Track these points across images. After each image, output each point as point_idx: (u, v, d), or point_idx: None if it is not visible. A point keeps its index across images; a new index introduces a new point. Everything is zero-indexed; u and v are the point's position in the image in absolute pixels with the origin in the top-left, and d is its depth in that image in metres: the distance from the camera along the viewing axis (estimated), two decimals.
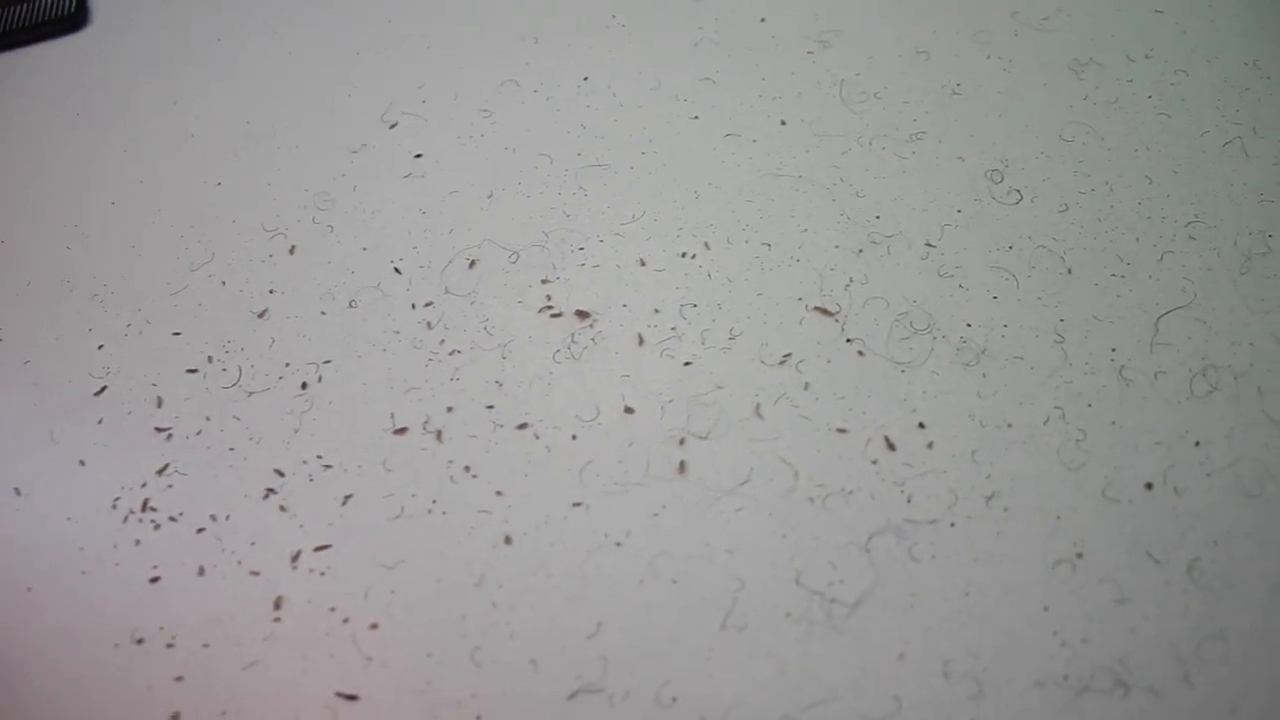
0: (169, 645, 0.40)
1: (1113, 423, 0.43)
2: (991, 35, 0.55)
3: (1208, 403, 0.43)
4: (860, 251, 0.48)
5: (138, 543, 0.42)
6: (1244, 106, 0.51)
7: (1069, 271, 0.47)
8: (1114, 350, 0.44)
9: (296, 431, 0.44)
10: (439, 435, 0.44)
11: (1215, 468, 0.42)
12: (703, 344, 0.45)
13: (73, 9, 0.59)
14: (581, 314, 0.47)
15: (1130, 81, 0.53)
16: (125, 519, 0.43)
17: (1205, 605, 0.39)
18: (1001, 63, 0.54)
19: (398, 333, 0.47)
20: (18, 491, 0.44)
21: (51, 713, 0.39)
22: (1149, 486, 0.41)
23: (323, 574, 0.41)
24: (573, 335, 0.46)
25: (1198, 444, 0.42)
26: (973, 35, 0.55)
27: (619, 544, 0.41)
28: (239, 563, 0.42)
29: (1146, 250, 0.47)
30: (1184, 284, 0.46)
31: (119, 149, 0.54)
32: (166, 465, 0.44)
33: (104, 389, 0.46)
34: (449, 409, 0.45)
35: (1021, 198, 0.49)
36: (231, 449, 0.44)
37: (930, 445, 0.43)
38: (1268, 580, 0.39)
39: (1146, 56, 0.54)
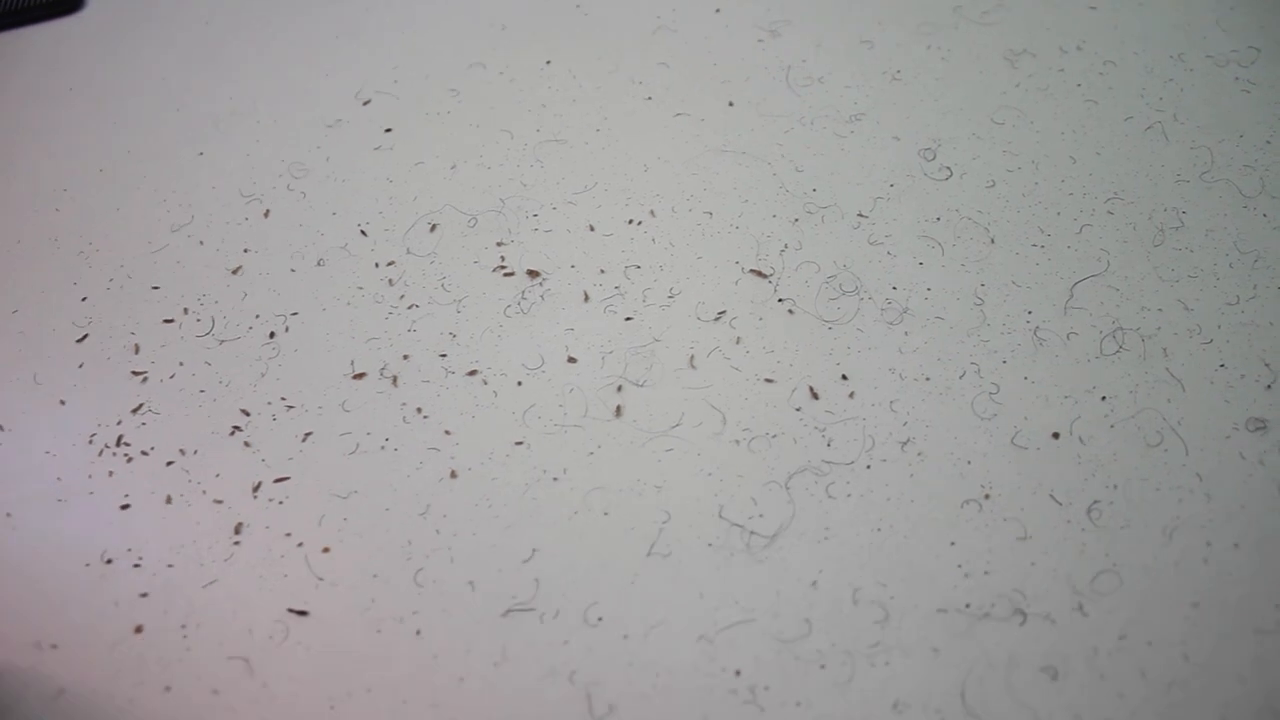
0: (136, 565, 0.43)
1: (1025, 378, 0.46)
2: (934, 27, 0.58)
3: (1115, 361, 0.46)
4: (796, 220, 0.51)
5: (111, 474, 0.45)
6: (1167, 95, 0.55)
7: (992, 241, 0.50)
8: (1030, 312, 0.47)
9: (263, 376, 0.48)
10: (395, 380, 0.47)
11: (1119, 419, 0.44)
12: (644, 302, 0.48)
13: None
14: (532, 273, 0.50)
15: (1061, 71, 0.56)
16: (100, 453, 0.46)
17: (1102, 543, 0.42)
18: (941, 52, 0.57)
19: (361, 289, 0.50)
20: (1, 428, 0.47)
21: (27, 624, 0.42)
22: (1056, 436, 0.44)
23: (281, 503, 0.44)
24: (523, 292, 0.49)
25: (1104, 398, 0.45)
26: (916, 27, 0.58)
27: (556, 479, 0.44)
28: (204, 492, 0.45)
29: (1067, 223, 0.50)
30: (1100, 254, 0.49)
31: (109, 121, 0.57)
32: (141, 405, 0.47)
33: (85, 336, 0.49)
34: (405, 357, 0.48)
35: (951, 174, 0.52)
36: (202, 391, 0.47)
37: (852, 395, 0.46)
38: (1161, 521, 0.42)
39: (1078, 48, 0.57)
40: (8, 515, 0.45)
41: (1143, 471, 0.43)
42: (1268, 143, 0.52)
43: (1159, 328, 0.47)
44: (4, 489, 0.45)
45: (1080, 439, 0.44)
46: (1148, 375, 0.45)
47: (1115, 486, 0.43)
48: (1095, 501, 0.43)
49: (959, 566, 0.41)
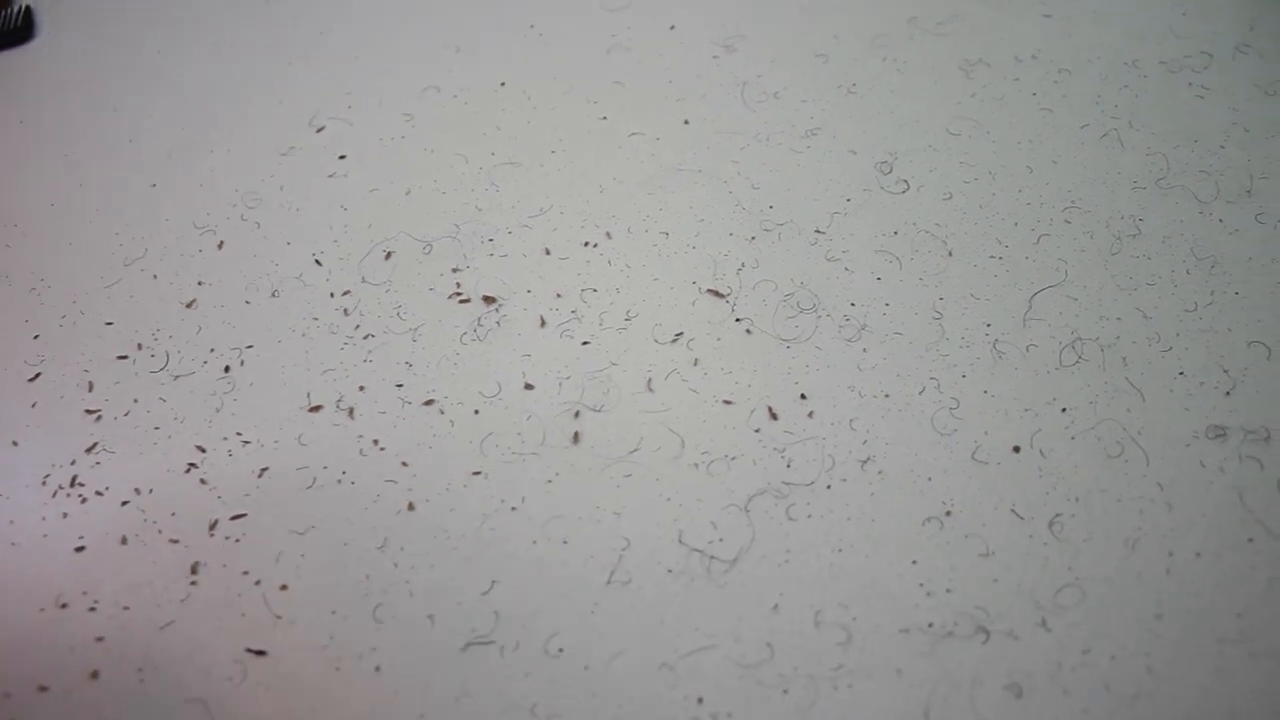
0: (91, 609, 0.42)
1: (984, 391, 0.46)
2: (888, 39, 0.58)
3: (1075, 372, 0.46)
4: (753, 238, 0.50)
5: (65, 515, 0.45)
6: (1122, 102, 0.55)
7: (950, 254, 0.49)
8: (989, 325, 0.47)
9: (218, 411, 0.47)
10: (351, 412, 0.47)
11: (1079, 431, 0.44)
12: (600, 325, 0.48)
13: (19, 22, 0.62)
14: (488, 299, 0.49)
15: (1017, 80, 0.56)
16: (54, 494, 0.45)
17: (1064, 557, 0.41)
18: (896, 64, 0.57)
19: (316, 319, 0.49)
20: None
21: None
22: (1016, 449, 0.44)
23: (238, 540, 0.44)
24: (479, 319, 0.49)
25: (1064, 410, 0.45)
26: (871, 39, 0.58)
27: (514, 509, 0.44)
28: (160, 532, 0.44)
29: (1024, 234, 0.50)
30: (1058, 264, 0.49)
31: (60, 153, 0.57)
32: (95, 444, 0.47)
33: (38, 375, 0.49)
34: (361, 388, 0.47)
35: (908, 187, 0.52)
36: (157, 428, 0.47)
37: (811, 414, 0.45)
38: (1123, 533, 0.42)
39: (1033, 57, 0.57)
40: None
41: (1103, 483, 0.43)
42: (1222, 147, 0.52)
43: (1118, 337, 0.47)
44: None
45: (1041, 452, 0.44)
46: (1107, 385, 0.45)
47: (1077, 499, 0.43)
48: (1057, 515, 0.42)
49: (921, 585, 0.41)
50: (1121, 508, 0.42)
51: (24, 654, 0.42)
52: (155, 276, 0.52)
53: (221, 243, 0.52)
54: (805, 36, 0.58)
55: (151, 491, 0.45)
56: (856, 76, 0.56)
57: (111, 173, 0.56)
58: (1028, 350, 0.46)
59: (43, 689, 0.41)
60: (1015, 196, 0.51)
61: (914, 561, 0.42)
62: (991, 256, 0.49)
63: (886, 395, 0.46)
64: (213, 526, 0.44)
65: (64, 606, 0.43)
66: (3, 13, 0.62)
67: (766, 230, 0.51)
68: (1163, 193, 0.51)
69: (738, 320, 0.48)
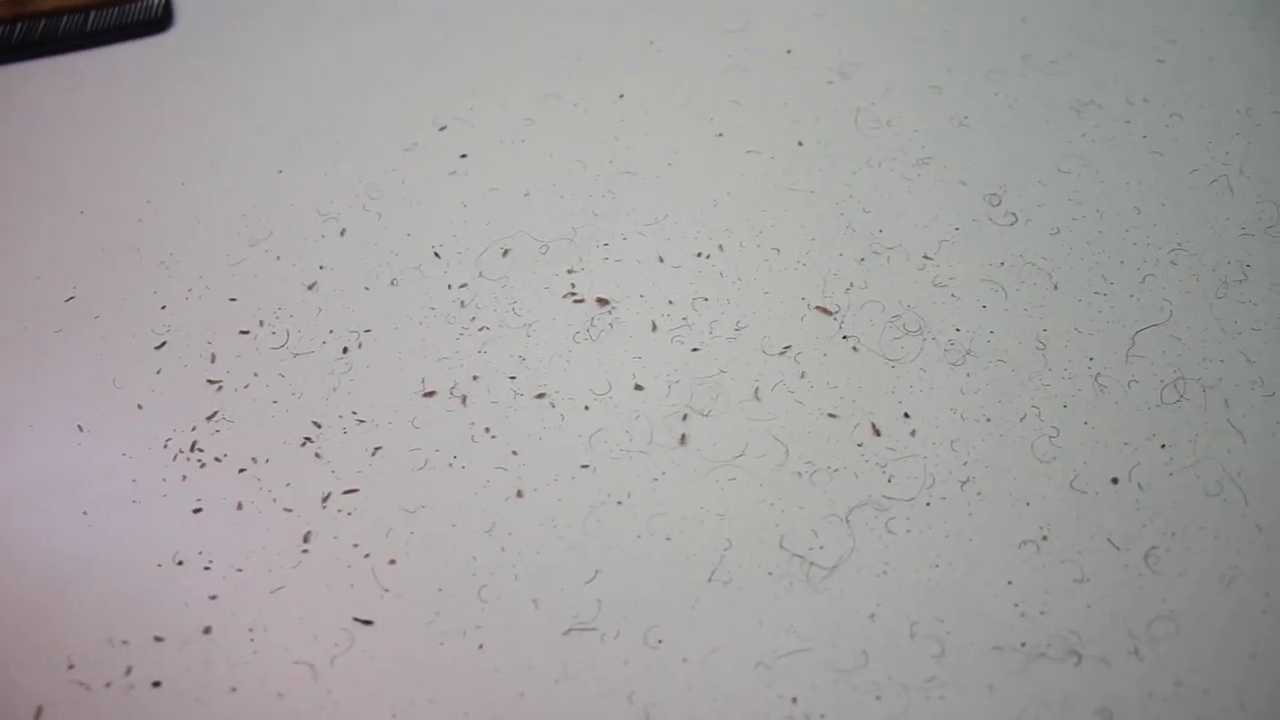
0: (206, 568, 0.44)
1: (1085, 423, 0.46)
2: (1002, 75, 0.59)
3: (1176, 410, 0.46)
4: (862, 260, 0.52)
5: (184, 478, 0.46)
6: (1233, 149, 0.55)
7: (1055, 287, 0.50)
8: (1091, 359, 0.48)
9: (335, 390, 0.49)
10: (464, 400, 0.48)
11: (1178, 468, 0.45)
12: (710, 333, 0.49)
13: (159, 12, 0.65)
14: (601, 301, 0.51)
15: (1128, 122, 0.57)
16: (175, 457, 0.47)
17: (1158, 589, 0.42)
18: (1008, 100, 0.58)
19: (433, 309, 0.51)
20: (80, 428, 0.48)
21: (99, 621, 0.43)
22: (1114, 481, 0.45)
23: (349, 514, 0.45)
24: (592, 319, 0.50)
25: (1163, 446, 0.45)
26: (985, 74, 0.59)
27: (620, 503, 0.45)
28: (274, 500, 0.46)
29: (1130, 272, 0.51)
30: (1162, 304, 0.50)
31: (193, 137, 0.59)
32: (215, 413, 0.48)
33: (164, 344, 0.51)
34: (475, 377, 0.49)
35: (1016, 220, 0.53)
36: (275, 402, 0.49)
37: (913, 433, 0.46)
38: (1219, 571, 0.42)
39: (1145, 100, 0.58)
40: (84, 513, 0.46)
41: (1201, 520, 0.44)
42: None
43: (1220, 378, 0.47)
44: (81, 488, 0.46)
45: (1139, 485, 0.44)
46: (1208, 425, 0.46)
47: (1173, 534, 0.43)
48: (1153, 548, 0.43)
49: (1015, 606, 0.42)
50: (1219, 545, 0.43)
51: (141, 605, 0.43)
52: (279, 258, 0.53)
53: (344, 230, 0.54)
54: (919, 68, 0.60)
55: (268, 461, 0.47)
56: (969, 109, 0.57)
57: (240, 157, 0.58)
58: (1129, 385, 0.47)
59: (158, 639, 0.42)
60: (1122, 236, 0.52)
61: (1009, 582, 0.42)
62: (1096, 292, 0.50)
63: (988, 419, 0.46)
64: (325, 499, 0.46)
65: (180, 564, 0.44)
66: (143, 2, 0.65)
67: (876, 253, 0.52)
68: (1271, 240, 0.51)
69: (844, 338, 0.49)
